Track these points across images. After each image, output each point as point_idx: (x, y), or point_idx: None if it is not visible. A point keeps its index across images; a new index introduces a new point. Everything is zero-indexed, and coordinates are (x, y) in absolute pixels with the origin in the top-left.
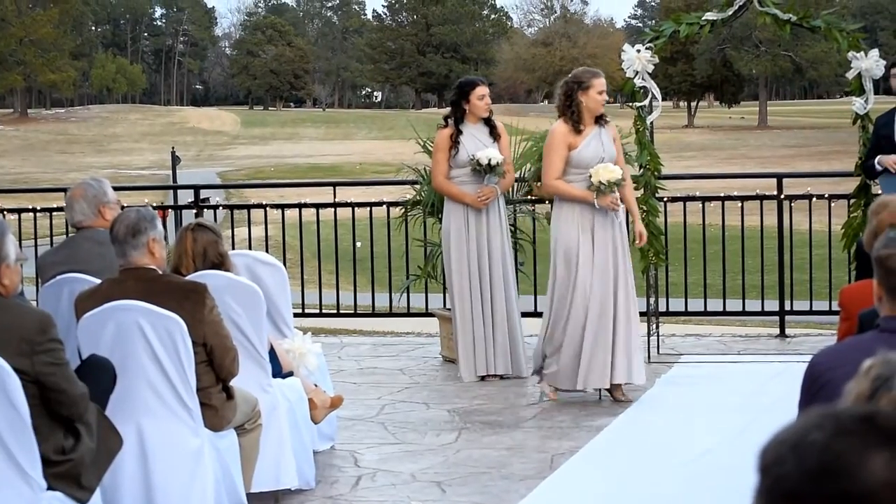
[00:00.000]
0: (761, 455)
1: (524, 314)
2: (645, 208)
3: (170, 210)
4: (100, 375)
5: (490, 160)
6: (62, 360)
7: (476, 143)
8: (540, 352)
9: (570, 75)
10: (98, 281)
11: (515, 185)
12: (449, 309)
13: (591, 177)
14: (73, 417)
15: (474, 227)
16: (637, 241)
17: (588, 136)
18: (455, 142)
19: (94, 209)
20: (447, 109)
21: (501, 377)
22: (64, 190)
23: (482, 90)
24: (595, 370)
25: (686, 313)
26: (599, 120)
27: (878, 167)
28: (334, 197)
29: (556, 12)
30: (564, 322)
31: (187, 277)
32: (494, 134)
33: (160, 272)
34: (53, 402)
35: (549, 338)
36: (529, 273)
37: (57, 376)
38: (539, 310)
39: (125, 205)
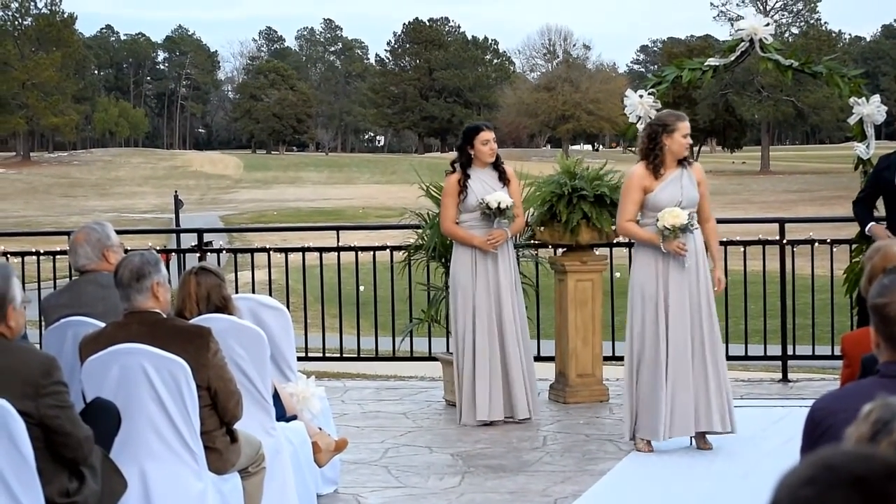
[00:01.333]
0: (771, 494)
1: None
2: None
3: (173, 253)
4: (104, 418)
5: (499, 203)
6: (67, 403)
7: (485, 188)
8: (629, 408)
9: (653, 118)
10: (102, 324)
11: None
12: (451, 353)
13: (657, 221)
14: (78, 460)
15: (482, 271)
16: (715, 288)
17: (667, 179)
18: (463, 186)
19: (97, 253)
20: (451, 154)
21: (505, 420)
22: (67, 233)
23: (486, 135)
24: (677, 419)
25: None
26: (682, 162)
27: (866, 231)
28: (337, 241)
29: (558, 57)
30: (645, 367)
31: (191, 321)
32: (504, 178)
33: (164, 316)
34: (58, 445)
35: (631, 388)
36: (532, 317)
37: (61, 419)
38: (543, 354)
39: (128, 248)
